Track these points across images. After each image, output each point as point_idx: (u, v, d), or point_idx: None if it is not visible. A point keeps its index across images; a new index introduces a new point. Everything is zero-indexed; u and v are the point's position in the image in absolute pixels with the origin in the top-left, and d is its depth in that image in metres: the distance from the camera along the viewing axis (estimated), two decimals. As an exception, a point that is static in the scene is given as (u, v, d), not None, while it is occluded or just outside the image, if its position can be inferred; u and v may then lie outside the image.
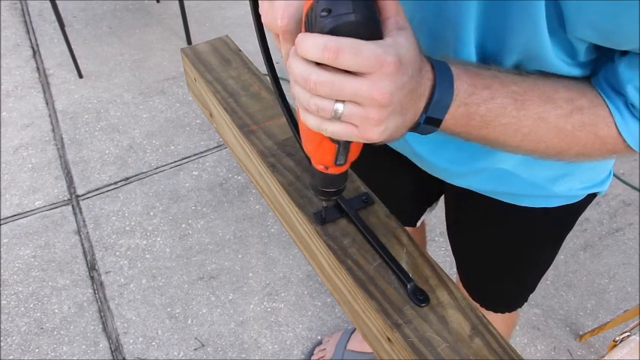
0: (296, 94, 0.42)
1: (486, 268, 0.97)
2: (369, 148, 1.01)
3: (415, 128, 0.47)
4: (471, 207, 0.89)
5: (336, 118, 0.41)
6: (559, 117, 0.50)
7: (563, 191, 0.76)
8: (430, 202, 1.07)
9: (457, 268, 1.04)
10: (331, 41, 0.37)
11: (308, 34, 0.39)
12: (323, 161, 0.49)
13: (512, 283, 0.98)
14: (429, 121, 0.47)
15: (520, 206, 0.79)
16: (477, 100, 0.48)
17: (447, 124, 0.48)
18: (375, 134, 0.42)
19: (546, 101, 0.50)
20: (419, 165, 0.82)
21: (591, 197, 0.81)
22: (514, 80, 0.50)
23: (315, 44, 0.38)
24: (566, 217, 0.86)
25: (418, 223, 1.11)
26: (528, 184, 0.74)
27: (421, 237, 1.34)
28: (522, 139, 0.51)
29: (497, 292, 1.01)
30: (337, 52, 0.37)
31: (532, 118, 0.50)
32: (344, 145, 0.47)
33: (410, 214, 1.08)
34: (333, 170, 0.50)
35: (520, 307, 1.06)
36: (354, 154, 0.49)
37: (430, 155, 0.76)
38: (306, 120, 0.43)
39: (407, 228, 1.11)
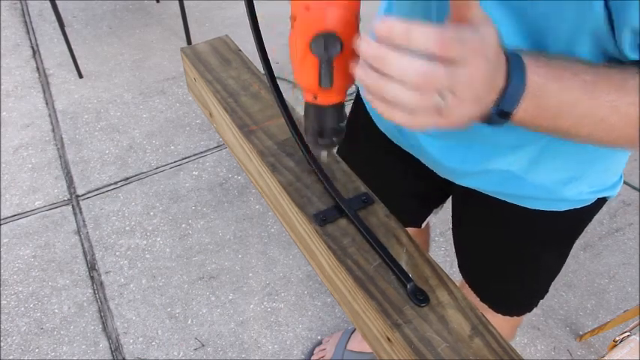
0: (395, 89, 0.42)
1: (488, 268, 0.96)
2: (370, 149, 0.99)
3: (485, 120, 0.48)
4: (476, 206, 0.88)
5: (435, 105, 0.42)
6: (630, 105, 0.49)
7: (571, 195, 0.75)
8: (437, 203, 1.06)
9: (459, 268, 1.03)
10: (442, 33, 0.39)
11: (415, 26, 0.39)
12: (308, 85, 0.48)
13: (517, 285, 0.96)
14: (499, 114, 0.47)
15: (526, 208, 0.78)
16: (548, 93, 0.47)
17: (519, 117, 0.48)
18: (453, 119, 0.43)
19: (618, 89, 0.49)
20: (427, 164, 0.81)
21: (601, 202, 0.80)
22: (584, 69, 0.49)
23: (426, 35, 0.39)
24: (574, 221, 0.84)
25: (423, 224, 1.11)
26: (536, 186, 0.74)
27: (425, 239, 1.33)
28: (594, 129, 0.51)
29: (500, 292, 1.00)
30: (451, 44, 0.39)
31: (604, 107, 0.49)
32: (327, 62, 0.45)
33: (415, 214, 1.07)
34: (322, 98, 0.49)
35: (529, 311, 1.03)
36: (340, 79, 0.47)
37: (440, 155, 0.75)
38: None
39: (412, 229, 1.09)
